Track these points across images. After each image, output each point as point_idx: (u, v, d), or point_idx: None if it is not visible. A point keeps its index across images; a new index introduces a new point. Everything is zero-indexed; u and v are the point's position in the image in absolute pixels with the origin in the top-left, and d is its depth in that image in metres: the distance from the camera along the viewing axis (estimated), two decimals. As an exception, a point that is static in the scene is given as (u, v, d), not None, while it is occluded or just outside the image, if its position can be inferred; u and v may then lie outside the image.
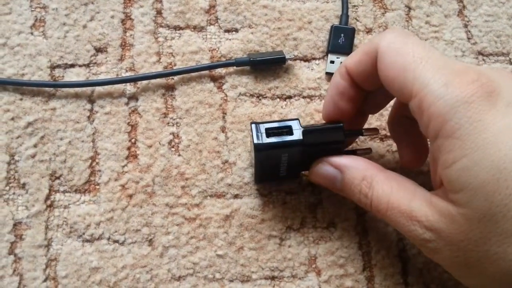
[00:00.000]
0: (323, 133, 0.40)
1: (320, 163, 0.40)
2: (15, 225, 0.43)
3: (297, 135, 0.39)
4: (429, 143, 0.38)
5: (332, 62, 0.48)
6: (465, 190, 0.31)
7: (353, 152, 0.44)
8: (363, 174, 0.38)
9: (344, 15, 0.49)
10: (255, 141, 0.39)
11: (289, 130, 0.39)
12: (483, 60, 0.50)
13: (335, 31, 0.48)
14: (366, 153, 0.44)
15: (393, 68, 0.34)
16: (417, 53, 0.33)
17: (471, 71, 0.32)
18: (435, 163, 0.33)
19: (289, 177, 0.44)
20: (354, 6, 0.51)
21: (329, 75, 0.48)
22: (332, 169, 0.39)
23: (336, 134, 0.40)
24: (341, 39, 0.48)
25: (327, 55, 0.48)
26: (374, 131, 0.43)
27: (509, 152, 0.30)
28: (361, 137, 0.47)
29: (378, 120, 0.47)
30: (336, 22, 0.50)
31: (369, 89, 0.39)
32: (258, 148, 0.39)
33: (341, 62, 0.47)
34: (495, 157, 0.30)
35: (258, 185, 0.45)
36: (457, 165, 0.31)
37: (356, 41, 0.49)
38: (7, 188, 0.43)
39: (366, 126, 0.46)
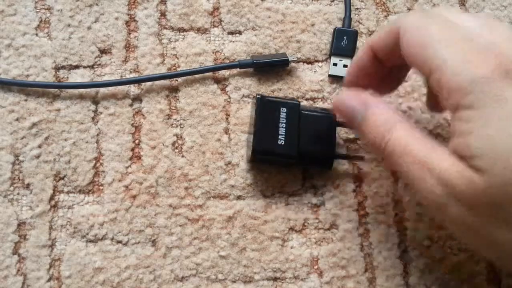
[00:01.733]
0: (317, 110, 0.46)
1: (349, 92, 0.41)
2: (19, 225, 0.43)
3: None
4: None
5: (335, 64, 0.48)
6: (486, 157, 0.30)
7: (346, 157, 0.45)
8: (387, 117, 0.37)
9: (347, 18, 0.50)
10: (258, 96, 0.44)
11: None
12: (485, 63, 0.51)
13: (338, 34, 0.49)
14: (359, 159, 0.46)
15: (415, 45, 0.35)
16: (438, 31, 0.34)
17: (491, 50, 0.33)
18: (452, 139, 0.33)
19: (287, 152, 0.44)
20: (357, 9, 0.51)
21: (332, 77, 0.49)
22: (358, 102, 0.39)
23: (329, 117, 0.45)
24: (344, 41, 0.48)
25: (330, 57, 0.49)
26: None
27: None
28: (360, 142, 0.47)
29: (381, 122, 0.48)
30: (339, 24, 0.50)
31: (389, 65, 0.41)
32: (260, 97, 0.44)
33: (344, 65, 0.48)
34: None
35: (255, 155, 0.44)
36: (479, 132, 0.31)
37: (358, 44, 0.50)
38: (12, 188, 0.44)
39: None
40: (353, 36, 0.49)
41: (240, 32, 0.50)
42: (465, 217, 0.32)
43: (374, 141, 0.37)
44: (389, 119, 0.37)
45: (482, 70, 0.32)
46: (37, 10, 0.49)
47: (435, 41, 0.34)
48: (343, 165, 0.47)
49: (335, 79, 0.49)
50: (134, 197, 0.44)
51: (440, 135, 0.48)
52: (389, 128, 0.36)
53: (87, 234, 0.43)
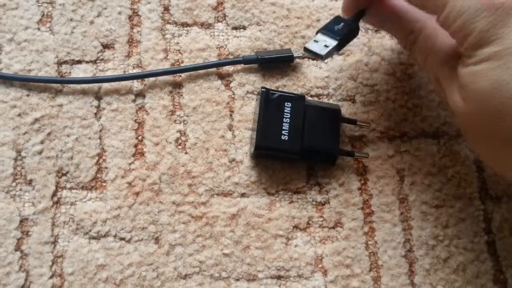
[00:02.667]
0: (322, 105, 0.46)
1: (377, 4, 0.44)
2: (21, 221, 0.43)
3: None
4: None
5: (316, 41, 0.43)
6: (467, 89, 0.36)
7: (351, 154, 0.46)
8: (411, 27, 0.42)
9: (357, 15, 0.47)
10: (263, 89, 0.44)
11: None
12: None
13: (336, 19, 0.44)
14: (363, 156, 0.46)
15: None
16: None
17: None
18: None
19: (290, 147, 0.44)
20: (363, 4, 0.51)
21: (306, 51, 0.43)
22: (386, 13, 0.43)
23: (334, 112, 0.46)
24: (338, 26, 0.44)
25: (316, 34, 0.44)
26: (366, 125, 0.47)
27: None
28: (369, 136, 0.47)
29: (387, 120, 0.48)
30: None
31: None
32: (265, 90, 0.44)
33: (325, 46, 0.42)
34: None
35: (258, 151, 0.44)
36: (470, 69, 0.36)
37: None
38: (14, 184, 0.44)
39: (372, 127, 0.47)
40: (353, 26, 0.45)
41: (244, 27, 0.50)
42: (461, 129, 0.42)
43: (407, 40, 0.43)
44: (418, 22, 0.42)
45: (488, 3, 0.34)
46: (39, 4, 0.48)
47: None
48: (348, 162, 0.47)
49: (309, 54, 0.44)
50: (137, 194, 0.44)
51: (446, 132, 0.48)
52: (417, 34, 0.42)
53: (90, 231, 0.43)
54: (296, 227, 0.45)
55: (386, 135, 0.48)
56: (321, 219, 0.45)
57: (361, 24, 0.50)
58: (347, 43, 0.44)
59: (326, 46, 0.42)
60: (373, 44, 0.50)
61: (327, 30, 0.43)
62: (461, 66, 0.37)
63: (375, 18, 0.45)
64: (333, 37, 0.42)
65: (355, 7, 0.43)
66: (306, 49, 0.42)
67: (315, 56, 0.42)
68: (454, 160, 0.47)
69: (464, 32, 0.35)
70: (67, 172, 0.44)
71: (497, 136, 0.36)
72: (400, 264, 0.45)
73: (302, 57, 0.49)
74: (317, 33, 0.43)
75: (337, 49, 0.43)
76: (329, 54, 0.42)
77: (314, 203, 0.46)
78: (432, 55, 0.40)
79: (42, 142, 0.45)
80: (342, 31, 0.43)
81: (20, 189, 0.44)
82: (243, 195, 0.45)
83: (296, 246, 0.44)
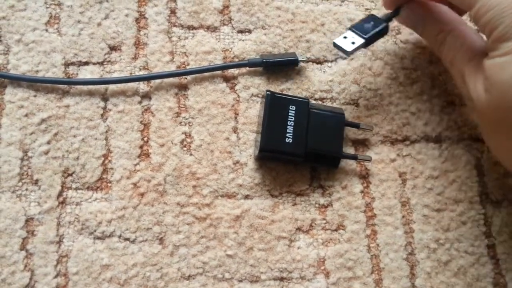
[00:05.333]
0: (326, 109, 0.45)
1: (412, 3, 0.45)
2: (27, 221, 0.42)
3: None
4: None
5: (345, 37, 0.43)
6: (491, 80, 0.37)
7: (354, 157, 0.45)
8: (441, 27, 0.43)
9: (391, 13, 0.46)
10: (268, 92, 0.43)
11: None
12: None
13: (369, 17, 0.45)
14: (366, 160, 0.45)
15: None
16: None
17: None
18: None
19: (294, 150, 0.43)
20: (367, 9, 0.50)
21: (335, 46, 0.43)
22: (420, 12, 0.45)
23: (338, 116, 0.45)
24: (368, 25, 0.44)
25: (346, 30, 0.44)
26: (369, 128, 0.46)
27: None
28: (372, 140, 0.46)
29: (389, 124, 0.47)
30: (349, 25, 0.49)
31: None
32: (270, 93, 0.43)
33: (352, 42, 0.43)
34: None
35: (263, 153, 0.43)
36: (495, 61, 0.37)
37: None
38: (20, 184, 0.43)
39: (375, 130, 0.46)
40: (382, 27, 0.44)
41: (249, 31, 0.49)
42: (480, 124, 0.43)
43: (436, 48, 0.45)
44: (443, 29, 0.43)
45: None
46: (47, 6, 0.48)
47: None
48: (351, 166, 0.46)
49: (337, 49, 0.44)
50: (142, 194, 0.43)
51: (449, 137, 0.47)
52: (444, 37, 0.43)
53: (95, 231, 0.43)
54: (299, 229, 0.44)
55: (389, 139, 0.47)
56: (324, 221, 0.44)
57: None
58: (375, 41, 0.45)
59: (353, 43, 0.43)
60: (377, 48, 0.49)
61: (357, 27, 0.44)
62: (486, 58, 0.38)
63: (408, 17, 0.45)
64: (362, 35, 0.43)
65: (394, 2, 0.45)
66: (334, 44, 0.43)
67: (341, 51, 0.43)
68: (455, 165, 0.46)
69: (491, 26, 0.37)
70: (73, 173, 0.44)
71: None
72: (402, 267, 0.44)
73: (307, 61, 0.48)
74: (348, 29, 0.44)
75: (364, 46, 0.44)
76: (355, 51, 0.43)
77: (317, 205, 0.45)
78: (460, 54, 0.41)
79: (48, 142, 0.44)
80: (371, 30, 0.44)
81: (26, 189, 0.43)
82: (247, 197, 0.44)
83: (299, 248, 0.43)
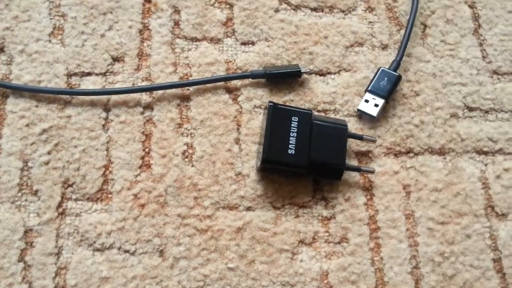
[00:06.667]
0: (329, 120, 0.43)
1: None
2: (26, 232, 0.40)
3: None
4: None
5: (366, 101, 0.44)
6: None
7: (357, 169, 0.42)
8: None
9: (396, 62, 0.46)
10: (270, 103, 0.41)
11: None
12: (498, 79, 0.47)
13: (380, 74, 0.45)
14: (369, 171, 0.43)
15: None
16: None
17: None
18: None
19: (297, 161, 0.40)
20: (370, 22, 0.48)
21: (360, 112, 0.45)
22: None
23: (341, 128, 0.42)
24: (383, 82, 0.45)
25: (365, 92, 0.45)
26: (373, 140, 0.44)
27: None
28: (375, 152, 0.44)
29: (393, 136, 0.44)
30: (352, 38, 0.47)
31: None
32: (272, 104, 0.41)
33: (375, 105, 0.44)
34: None
35: (265, 165, 0.40)
36: None
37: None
38: (20, 194, 0.40)
39: (379, 142, 0.43)
40: (395, 80, 0.45)
41: (253, 43, 0.46)
42: None
43: None
44: None
45: None
46: (51, 17, 0.45)
47: None
48: (354, 178, 0.43)
49: (362, 115, 0.45)
50: (142, 206, 0.41)
51: (452, 149, 0.44)
52: None
53: (94, 242, 0.40)
54: (301, 241, 0.41)
55: (392, 151, 0.44)
56: (327, 234, 0.41)
57: (370, 41, 0.46)
58: (392, 92, 0.45)
59: (376, 105, 0.44)
60: (380, 61, 0.47)
61: (374, 87, 0.44)
62: None
63: None
64: (381, 94, 0.44)
65: None
66: (359, 111, 0.44)
67: (368, 116, 0.44)
68: (459, 177, 0.43)
69: None
70: (73, 183, 0.41)
71: None
72: (406, 280, 0.41)
73: (310, 73, 0.46)
74: (365, 91, 0.45)
75: (386, 102, 0.45)
76: (381, 111, 0.44)
77: (320, 217, 0.42)
78: None
79: (49, 153, 0.41)
80: (388, 87, 0.44)
81: (26, 200, 0.40)
82: (248, 208, 0.41)
83: (301, 261, 0.41)
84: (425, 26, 0.48)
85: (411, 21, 0.47)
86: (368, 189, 0.43)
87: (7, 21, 0.45)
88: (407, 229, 0.42)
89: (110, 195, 0.41)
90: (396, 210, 0.42)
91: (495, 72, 0.47)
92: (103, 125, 0.43)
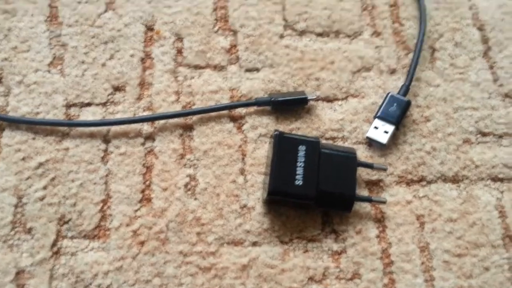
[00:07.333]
0: (337, 149, 0.37)
1: None
2: (18, 273, 0.34)
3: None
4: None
5: (376, 128, 0.39)
6: None
7: (368, 200, 0.37)
8: None
9: (405, 87, 0.40)
10: (276, 132, 0.36)
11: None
12: (510, 102, 0.41)
13: (389, 99, 0.40)
14: (381, 202, 0.37)
15: None
16: None
17: None
18: None
19: (305, 192, 0.35)
20: (377, 47, 0.42)
21: (370, 140, 0.39)
22: None
23: (350, 156, 0.36)
24: (392, 108, 0.39)
25: (374, 119, 0.39)
26: (383, 168, 0.38)
27: None
28: (386, 181, 0.37)
29: (404, 163, 0.38)
30: (359, 63, 0.41)
31: None
32: (278, 133, 0.36)
33: (385, 131, 0.39)
34: None
35: (271, 197, 0.35)
36: None
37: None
38: (12, 233, 0.35)
39: (389, 171, 0.37)
40: (404, 105, 0.40)
41: (257, 70, 0.41)
42: None
43: None
44: None
45: None
46: (51, 47, 0.40)
47: None
48: (365, 208, 0.37)
49: (371, 142, 0.39)
50: (142, 243, 0.35)
51: (466, 176, 0.38)
52: None
53: (90, 284, 0.34)
54: (311, 278, 0.35)
55: (404, 179, 0.38)
56: (338, 269, 0.35)
57: (377, 66, 0.41)
58: (402, 118, 0.40)
59: (386, 132, 0.39)
60: (388, 86, 0.41)
61: (384, 113, 0.39)
62: None
63: None
64: (390, 121, 0.39)
65: None
66: (368, 138, 0.39)
67: (377, 144, 0.39)
68: (475, 206, 0.37)
69: None
70: (69, 220, 0.35)
71: None
72: (423, 319, 0.34)
73: (316, 99, 0.40)
74: (374, 118, 0.40)
75: (397, 129, 0.40)
76: (391, 138, 0.39)
77: (330, 252, 0.36)
78: None
79: (45, 188, 0.36)
80: (398, 112, 0.39)
81: (19, 238, 0.35)
82: (254, 243, 0.35)
83: (311, 299, 0.34)
84: (434, 49, 0.42)
85: (419, 45, 0.41)
86: (380, 220, 0.37)
87: (6, 51, 0.40)
88: (422, 263, 0.36)
89: (108, 232, 0.35)
90: (410, 242, 0.36)
91: (507, 96, 0.41)
92: (102, 157, 0.37)
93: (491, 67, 0.42)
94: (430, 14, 0.44)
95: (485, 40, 0.43)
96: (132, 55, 0.40)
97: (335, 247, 0.36)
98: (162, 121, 0.38)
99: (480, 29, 0.44)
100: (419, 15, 0.43)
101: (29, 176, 0.36)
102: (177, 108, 0.39)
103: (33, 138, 0.37)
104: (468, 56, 0.43)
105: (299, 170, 0.35)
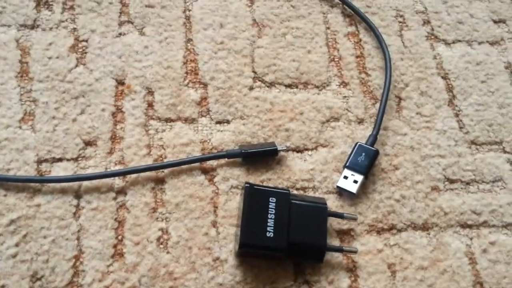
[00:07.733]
0: (308, 199, 0.40)
1: None
2: (-11, 333, 0.36)
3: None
4: None
5: (345, 177, 0.42)
6: None
7: (339, 250, 0.40)
8: None
9: (373, 136, 0.44)
10: (246, 185, 0.39)
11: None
12: (477, 149, 0.45)
13: (358, 149, 0.43)
14: (352, 251, 0.40)
15: None
16: None
17: None
18: None
19: (276, 244, 0.37)
20: (345, 97, 0.46)
21: (340, 189, 0.42)
22: None
23: (320, 207, 0.39)
24: (361, 157, 0.43)
25: (343, 168, 0.43)
26: (354, 218, 0.41)
27: None
28: (357, 230, 0.41)
29: (374, 212, 0.41)
30: (327, 113, 0.45)
31: None
32: (249, 185, 0.38)
33: (354, 181, 0.42)
34: None
35: (243, 249, 0.37)
36: None
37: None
38: (-17, 291, 0.37)
39: (360, 220, 0.40)
40: (372, 155, 0.43)
41: (228, 121, 0.44)
42: None
43: None
44: None
45: None
46: (22, 103, 0.43)
47: None
48: (337, 258, 0.40)
49: (342, 192, 0.43)
50: (114, 299, 0.37)
51: (436, 224, 0.41)
52: None
53: None
54: (284, 330, 0.37)
55: (375, 228, 0.41)
56: (311, 320, 0.38)
57: (346, 116, 0.44)
58: (371, 168, 0.43)
59: (355, 181, 0.42)
60: (356, 135, 0.45)
61: (352, 163, 0.43)
62: None
63: None
64: (359, 170, 0.42)
65: None
66: (338, 187, 0.42)
67: (347, 193, 0.42)
68: (445, 253, 0.41)
69: None
70: (42, 277, 0.37)
71: None
72: None
73: (286, 150, 0.43)
74: (344, 167, 0.43)
75: (366, 178, 0.43)
76: (360, 187, 0.42)
77: (303, 302, 0.38)
78: None
79: (17, 245, 0.38)
80: (366, 162, 0.42)
81: (-10, 297, 0.36)
82: (228, 296, 0.38)
83: None
84: (400, 99, 0.47)
85: (385, 95, 0.45)
86: (352, 270, 0.40)
87: (-24, 109, 0.42)
88: (394, 311, 0.39)
89: (80, 288, 0.37)
90: (382, 290, 0.39)
91: (473, 143, 0.45)
92: (74, 213, 0.40)
93: (457, 115, 0.47)
94: (396, 64, 0.48)
95: (449, 89, 0.48)
96: (103, 110, 0.44)
97: (308, 297, 0.39)
98: (133, 175, 0.41)
99: (445, 78, 0.48)
100: (385, 65, 0.47)
101: (1, 233, 0.38)
102: (149, 161, 0.42)
103: (5, 195, 0.40)
104: (434, 104, 0.47)
105: (270, 222, 0.38)
